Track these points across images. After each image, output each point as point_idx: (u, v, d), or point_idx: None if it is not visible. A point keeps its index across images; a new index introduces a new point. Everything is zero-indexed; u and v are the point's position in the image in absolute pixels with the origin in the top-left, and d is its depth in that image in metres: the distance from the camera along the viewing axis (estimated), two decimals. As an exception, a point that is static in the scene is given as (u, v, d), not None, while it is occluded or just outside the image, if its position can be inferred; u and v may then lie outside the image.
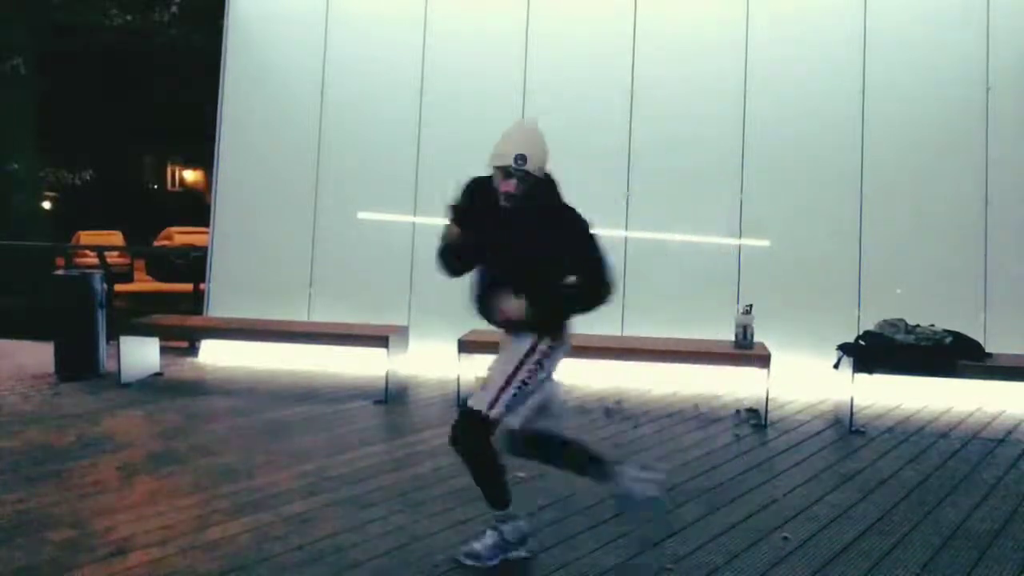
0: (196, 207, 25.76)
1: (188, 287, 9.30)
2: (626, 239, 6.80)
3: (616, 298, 3.20)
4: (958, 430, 5.48)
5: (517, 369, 3.15)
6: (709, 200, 6.82)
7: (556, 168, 3.23)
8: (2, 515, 3.66)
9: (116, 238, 21.40)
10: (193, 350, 7.54)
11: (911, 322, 5.65)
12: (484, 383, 3.20)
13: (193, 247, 14.78)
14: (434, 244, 3.29)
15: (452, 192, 3.26)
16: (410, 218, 7.10)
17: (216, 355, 7.27)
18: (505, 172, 3.07)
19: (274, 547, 3.39)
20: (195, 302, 8.27)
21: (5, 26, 14.88)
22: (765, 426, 5.47)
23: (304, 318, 7.10)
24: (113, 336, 6.54)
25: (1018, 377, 5.53)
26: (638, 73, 6.91)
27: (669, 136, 6.83)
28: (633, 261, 6.71)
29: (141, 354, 6.51)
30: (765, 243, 6.72)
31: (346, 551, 3.36)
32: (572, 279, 3.12)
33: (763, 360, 5.57)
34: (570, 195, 3.22)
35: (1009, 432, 5.45)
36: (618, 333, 6.58)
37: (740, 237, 6.73)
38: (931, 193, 6.56)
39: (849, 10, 6.67)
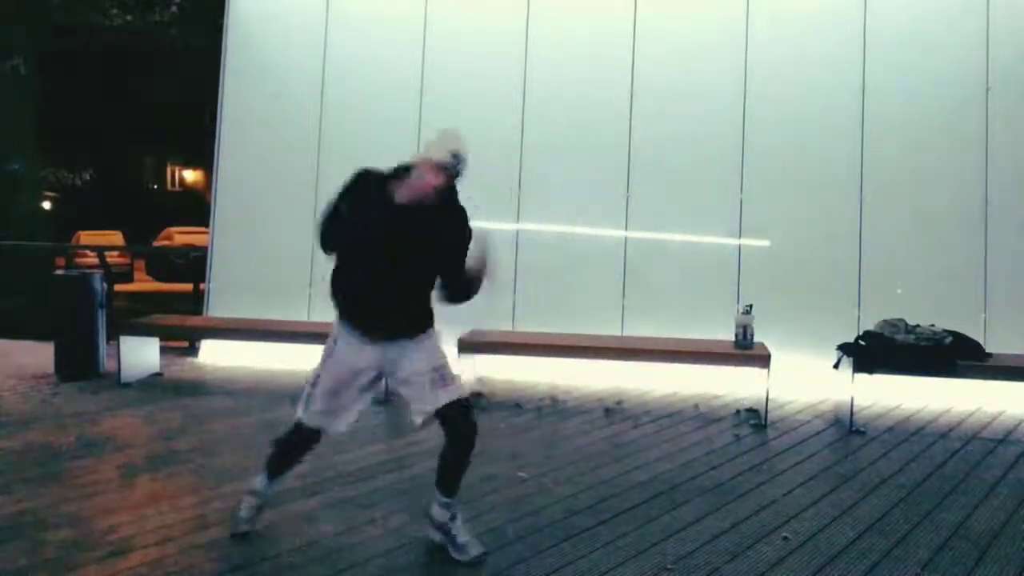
0: (196, 207, 25.74)
1: (188, 287, 9.30)
2: (626, 239, 6.79)
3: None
4: (958, 430, 5.48)
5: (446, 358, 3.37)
6: (709, 200, 6.82)
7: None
8: (2, 515, 3.66)
9: (116, 238, 21.38)
10: (193, 350, 7.55)
11: (911, 322, 5.65)
12: (443, 381, 3.29)
13: (193, 247, 14.77)
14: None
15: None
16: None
17: (216, 355, 7.28)
18: (441, 168, 3.23)
19: (274, 547, 3.39)
20: (195, 302, 8.27)
21: (5, 26, 14.86)
22: (765, 426, 5.47)
23: (304, 318, 7.09)
24: (113, 336, 6.54)
25: (1018, 377, 5.53)
26: (638, 73, 6.91)
27: (669, 136, 6.83)
28: (633, 261, 6.72)
29: (141, 354, 6.51)
30: (765, 243, 6.72)
31: (346, 551, 3.36)
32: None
33: (763, 360, 5.57)
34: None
35: (1009, 432, 5.45)
36: (618, 333, 6.59)
37: (740, 237, 6.74)
38: (931, 193, 6.56)
39: (849, 10, 6.68)
